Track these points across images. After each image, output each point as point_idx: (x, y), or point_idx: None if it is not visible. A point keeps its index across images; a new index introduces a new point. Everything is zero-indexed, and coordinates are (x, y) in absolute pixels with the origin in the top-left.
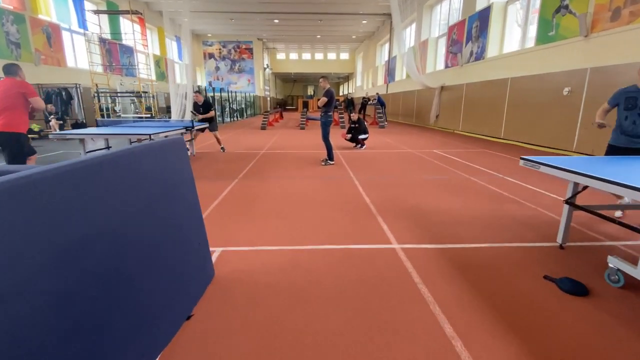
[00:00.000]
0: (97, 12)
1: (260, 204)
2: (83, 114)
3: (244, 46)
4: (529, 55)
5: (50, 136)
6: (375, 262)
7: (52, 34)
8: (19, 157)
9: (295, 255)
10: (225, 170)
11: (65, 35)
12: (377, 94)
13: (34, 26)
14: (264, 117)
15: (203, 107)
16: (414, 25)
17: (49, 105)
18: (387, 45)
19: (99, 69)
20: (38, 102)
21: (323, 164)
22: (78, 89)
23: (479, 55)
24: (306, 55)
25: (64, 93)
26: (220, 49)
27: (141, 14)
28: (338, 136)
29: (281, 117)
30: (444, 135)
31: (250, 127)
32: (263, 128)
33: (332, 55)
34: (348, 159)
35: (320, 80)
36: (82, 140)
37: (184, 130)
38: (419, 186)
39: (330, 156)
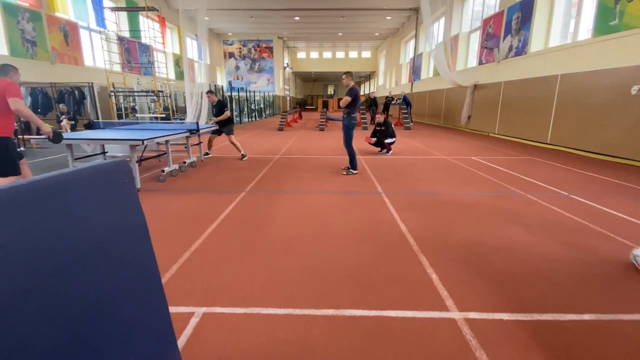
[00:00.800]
0: (114, 9)
1: (267, 231)
2: (96, 113)
3: (264, 45)
4: (584, 48)
5: (32, 141)
6: (429, 348)
7: (69, 32)
8: (5, 164)
9: (307, 325)
10: (232, 181)
11: (84, 34)
12: (403, 92)
13: (50, 24)
14: (282, 118)
15: (216, 107)
16: (442, 20)
17: (61, 105)
18: (412, 42)
19: (117, 68)
20: (16, 103)
21: (345, 173)
22: (91, 88)
23: (520, 50)
24: (327, 54)
25: (76, 92)
26: (240, 48)
27: (158, 10)
28: (361, 140)
29: (300, 117)
30: (478, 138)
31: (267, 127)
32: (280, 129)
33: (353, 54)
34: (374, 167)
35: (344, 76)
36: (69, 146)
37: (188, 134)
38: (467, 207)
39: (353, 164)
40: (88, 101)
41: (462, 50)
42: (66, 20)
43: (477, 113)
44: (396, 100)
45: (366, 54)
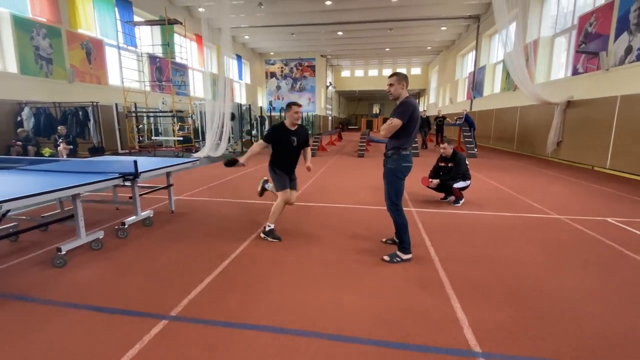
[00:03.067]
0: (136, 24)
1: None
2: (99, 136)
3: (306, 64)
4: None
5: None
6: None
7: (93, 50)
8: None
9: None
10: (173, 273)
11: (112, 52)
12: (465, 110)
13: (71, 41)
14: (315, 141)
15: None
16: (512, 27)
17: (60, 127)
18: (471, 55)
19: (147, 88)
20: None
21: (387, 259)
22: (95, 108)
23: None
24: (373, 72)
25: (80, 113)
26: (282, 67)
27: (181, 23)
28: (416, 180)
29: (339, 138)
30: (582, 175)
31: None
32: (312, 155)
33: (401, 71)
34: (439, 238)
35: (390, 81)
36: None
37: (112, 184)
38: None
39: (403, 244)
40: (92, 123)
41: (543, 59)
42: (90, 37)
43: (571, 138)
44: (456, 121)
45: (416, 71)
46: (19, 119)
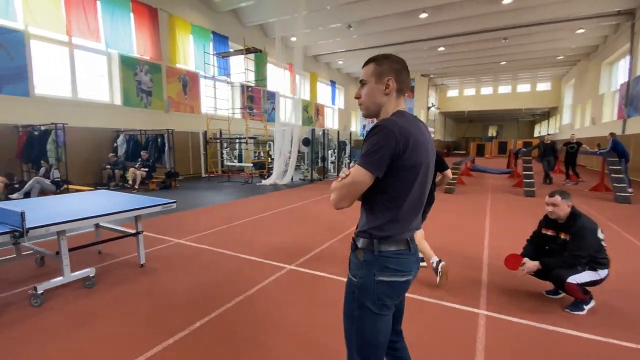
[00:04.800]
0: (222, 55)
1: None
2: (172, 162)
3: None
4: None
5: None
6: None
7: (189, 82)
8: None
9: None
10: None
11: (208, 83)
12: (612, 134)
13: (169, 75)
14: None
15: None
16: None
17: (143, 152)
18: (623, 62)
19: (235, 114)
20: None
21: None
22: (171, 135)
23: None
24: (486, 89)
25: (159, 139)
26: None
27: (260, 51)
28: (506, 236)
29: None
30: None
31: None
32: None
33: (524, 87)
34: None
35: (361, 75)
36: None
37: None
38: None
39: None
40: (166, 149)
41: None
42: (187, 71)
43: None
44: (598, 149)
45: (543, 86)
46: (115, 144)
